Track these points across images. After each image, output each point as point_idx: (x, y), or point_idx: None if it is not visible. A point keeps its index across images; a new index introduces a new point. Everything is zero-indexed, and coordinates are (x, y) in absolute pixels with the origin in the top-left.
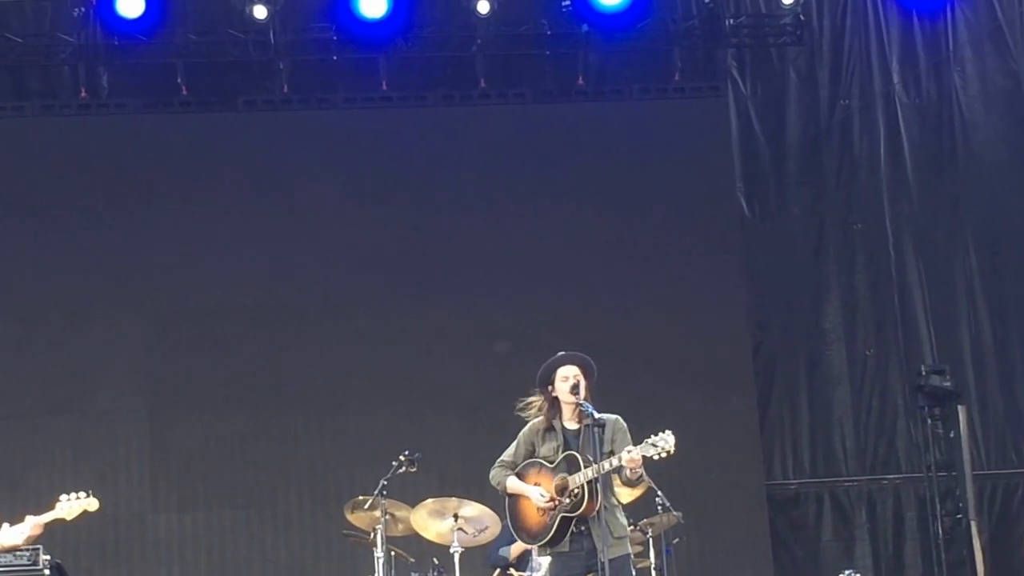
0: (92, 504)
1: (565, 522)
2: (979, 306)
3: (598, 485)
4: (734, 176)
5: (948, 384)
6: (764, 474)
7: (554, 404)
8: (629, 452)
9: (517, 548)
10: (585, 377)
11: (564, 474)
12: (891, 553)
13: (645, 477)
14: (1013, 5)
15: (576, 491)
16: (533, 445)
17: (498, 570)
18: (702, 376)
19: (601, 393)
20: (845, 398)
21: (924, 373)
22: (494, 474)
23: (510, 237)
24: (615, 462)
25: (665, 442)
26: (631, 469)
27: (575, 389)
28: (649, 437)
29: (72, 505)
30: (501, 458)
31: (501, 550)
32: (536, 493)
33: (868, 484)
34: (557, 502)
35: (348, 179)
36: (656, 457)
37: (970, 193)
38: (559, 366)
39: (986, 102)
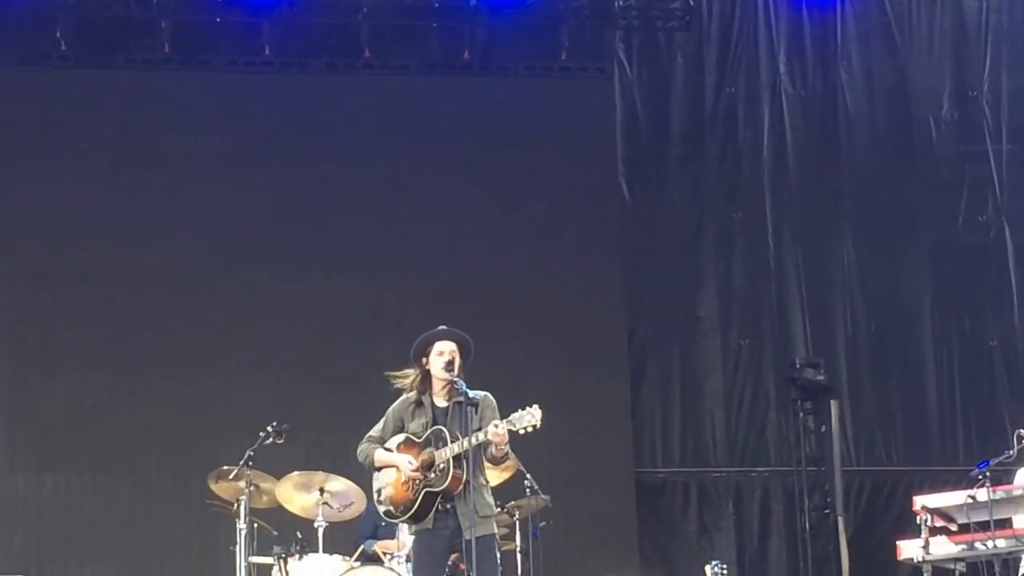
0: None
1: (429, 498)
2: (855, 300)
3: (465, 461)
4: (616, 159)
5: (821, 378)
6: (633, 461)
7: (426, 378)
8: (496, 426)
9: (382, 546)
10: (461, 355)
11: (431, 449)
12: (756, 546)
13: (511, 455)
14: (902, 2)
15: (442, 466)
16: (402, 420)
17: (362, 547)
18: (575, 360)
19: (472, 370)
20: (717, 388)
21: (798, 366)
22: (361, 449)
23: (389, 209)
24: (481, 436)
25: (532, 416)
26: (497, 446)
27: (449, 366)
28: (516, 412)
29: None
30: (369, 434)
31: (365, 543)
32: (403, 460)
33: (736, 476)
34: (423, 474)
35: (225, 143)
36: (523, 431)
37: (851, 187)
38: (436, 340)
39: (871, 97)
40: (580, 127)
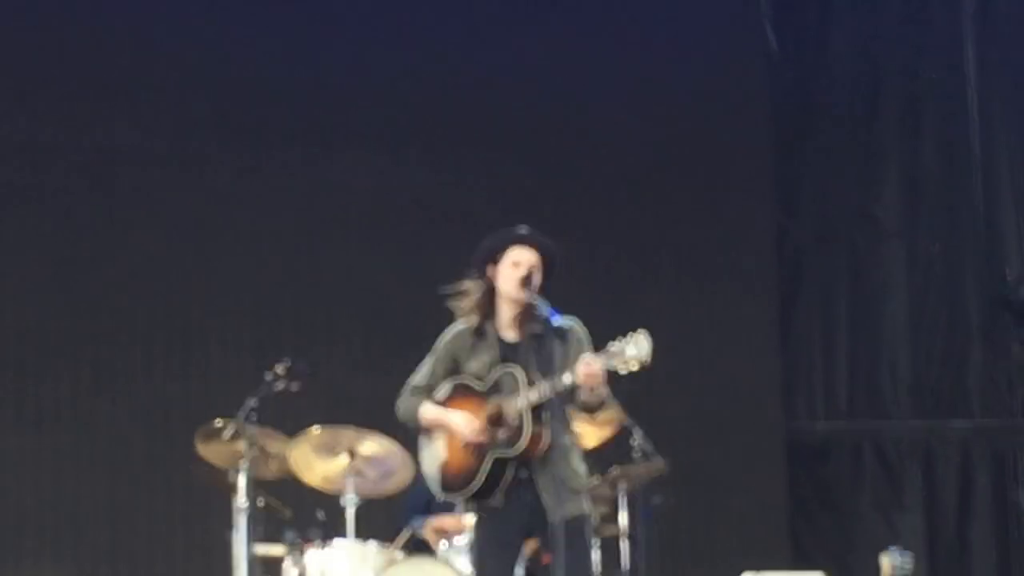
0: None
1: (500, 466)
2: None
3: (547, 414)
4: None
5: None
6: (784, 412)
7: (490, 297)
8: (586, 361)
9: (437, 526)
10: (544, 270)
11: (499, 398)
12: (953, 529)
13: (611, 401)
14: None
15: (515, 421)
16: (456, 360)
17: (409, 529)
18: (703, 272)
19: (559, 286)
20: (900, 312)
21: (1011, 281)
22: (403, 404)
23: (455, 50)
24: (567, 379)
25: (636, 347)
26: (590, 388)
27: (526, 282)
28: (614, 341)
29: None
30: (412, 382)
31: (414, 520)
32: (459, 419)
33: (926, 432)
34: (489, 435)
35: None
36: (624, 370)
37: None
38: (511, 245)
39: None
40: None
